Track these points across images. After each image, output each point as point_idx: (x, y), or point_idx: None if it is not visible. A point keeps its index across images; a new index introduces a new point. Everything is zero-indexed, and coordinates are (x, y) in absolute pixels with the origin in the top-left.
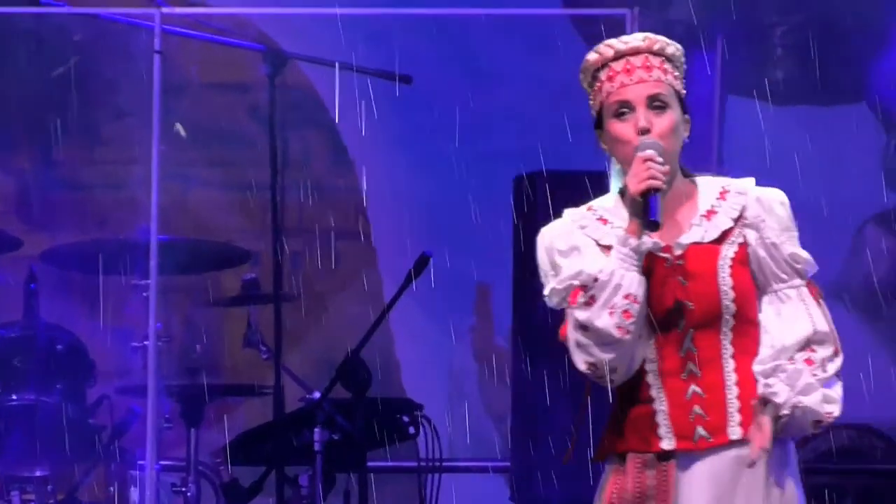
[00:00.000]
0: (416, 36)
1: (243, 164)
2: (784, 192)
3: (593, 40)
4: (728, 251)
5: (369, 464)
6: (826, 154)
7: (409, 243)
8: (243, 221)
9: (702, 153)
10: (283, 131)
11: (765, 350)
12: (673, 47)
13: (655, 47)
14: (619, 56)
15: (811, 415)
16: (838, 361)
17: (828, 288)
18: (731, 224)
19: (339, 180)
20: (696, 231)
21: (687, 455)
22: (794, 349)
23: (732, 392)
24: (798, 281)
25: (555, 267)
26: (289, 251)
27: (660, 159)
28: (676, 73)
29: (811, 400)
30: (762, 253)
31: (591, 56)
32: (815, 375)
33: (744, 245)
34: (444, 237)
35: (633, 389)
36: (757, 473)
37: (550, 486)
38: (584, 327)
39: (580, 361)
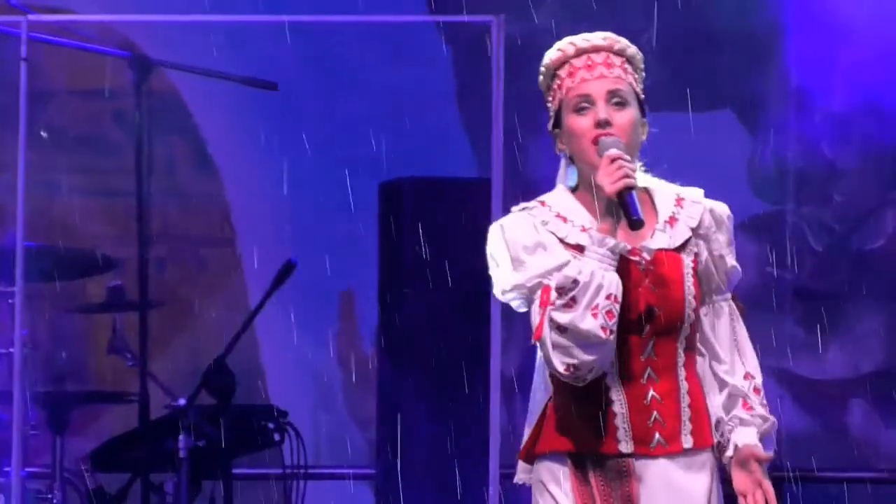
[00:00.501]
0: (282, 43)
1: (109, 171)
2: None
3: (459, 47)
4: (688, 260)
5: (234, 471)
6: (693, 161)
7: (274, 250)
8: (109, 228)
9: None
10: (149, 138)
11: (720, 374)
12: (633, 49)
13: (616, 47)
14: (580, 53)
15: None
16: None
17: None
18: (689, 234)
19: (205, 187)
20: (661, 237)
21: (643, 460)
22: (743, 380)
23: (685, 401)
24: (728, 294)
25: (517, 262)
26: (154, 258)
27: (627, 157)
28: (636, 76)
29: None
30: (710, 265)
31: (553, 54)
32: (764, 405)
33: (697, 256)
34: (309, 244)
35: (590, 390)
36: (702, 484)
37: (415, 493)
38: (563, 329)
39: (558, 363)
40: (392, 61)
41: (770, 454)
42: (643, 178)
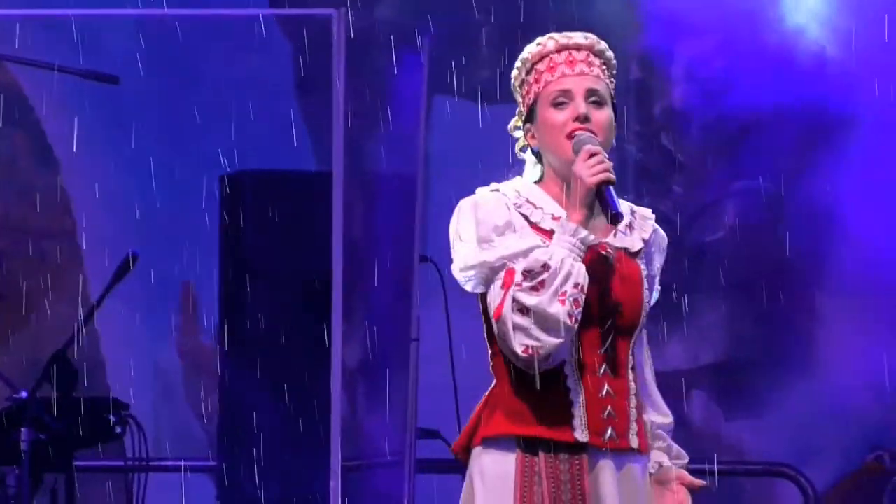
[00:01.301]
0: (124, 37)
1: None
2: (490, 189)
3: (300, 40)
4: (643, 265)
5: (76, 463)
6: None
7: (115, 243)
8: None
9: (409, 152)
10: None
11: (653, 396)
12: (610, 54)
13: (597, 48)
14: (561, 49)
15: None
16: None
17: None
18: (642, 244)
19: (45, 179)
20: (622, 238)
21: (595, 454)
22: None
23: (632, 402)
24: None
25: (485, 240)
26: None
27: (605, 153)
28: (611, 80)
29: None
30: (648, 284)
31: (533, 48)
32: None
33: (647, 267)
34: (151, 237)
35: (547, 377)
36: (643, 488)
37: (257, 485)
38: (526, 311)
39: (517, 345)
40: (233, 55)
41: (703, 483)
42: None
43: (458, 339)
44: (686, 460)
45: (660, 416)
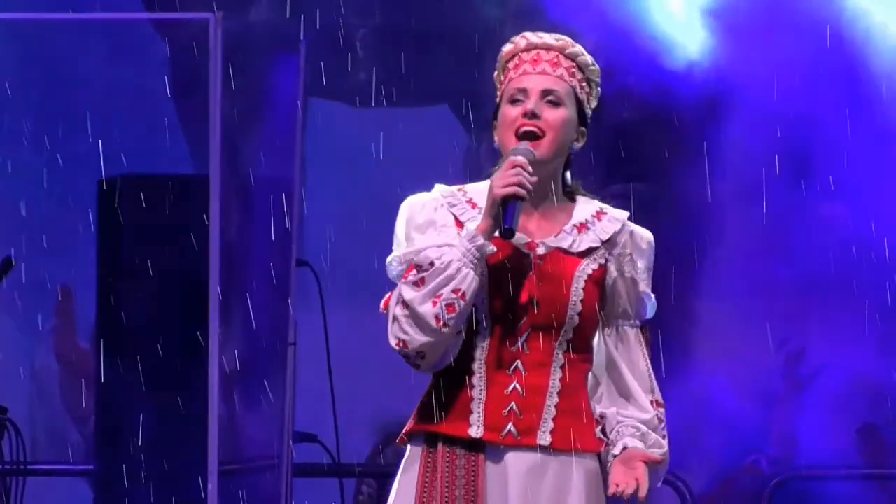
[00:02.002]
0: (0, 40)
1: None
2: (366, 192)
3: (177, 44)
4: (588, 267)
5: None
6: (410, 155)
7: None
8: None
9: (285, 155)
10: None
11: (614, 388)
12: (586, 58)
13: (568, 50)
14: (530, 48)
15: (664, 470)
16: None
17: None
18: (598, 244)
19: None
20: (565, 237)
21: (496, 451)
22: (649, 400)
23: (552, 400)
24: (637, 322)
25: (409, 238)
26: None
27: (530, 169)
28: (585, 85)
29: (667, 456)
30: (620, 286)
31: (506, 47)
32: (664, 437)
33: (603, 267)
34: (28, 240)
35: (457, 374)
36: (560, 487)
37: (135, 488)
38: (405, 305)
39: (391, 336)
40: (109, 58)
41: (659, 458)
42: (581, 198)
43: (335, 343)
44: (663, 450)
45: (639, 411)
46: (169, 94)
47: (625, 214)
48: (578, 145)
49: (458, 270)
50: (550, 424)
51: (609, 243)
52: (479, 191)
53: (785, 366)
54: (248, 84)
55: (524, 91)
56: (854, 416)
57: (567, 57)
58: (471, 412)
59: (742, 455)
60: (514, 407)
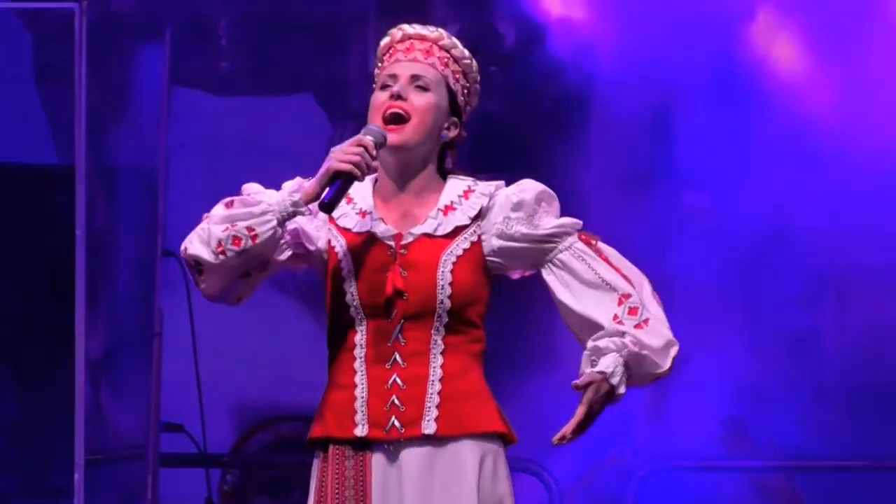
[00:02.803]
0: None
1: None
2: (229, 181)
3: (42, 33)
4: (457, 248)
5: None
6: (273, 145)
7: None
8: None
9: (150, 145)
10: None
11: (581, 328)
12: (461, 51)
13: (442, 42)
14: (404, 39)
15: (650, 363)
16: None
17: (273, 277)
18: (467, 222)
19: None
20: (429, 223)
21: (383, 447)
22: (617, 306)
23: (434, 388)
24: (567, 241)
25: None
26: None
27: (374, 153)
28: (460, 77)
29: (653, 343)
30: (517, 246)
31: (384, 39)
32: (641, 325)
33: (477, 244)
34: None
35: (340, 374)
36: (460, 471)
37: (2, 478)
38: (208, 218)
39: (184, 242)
40: None
41: (591, 379)
42: (452, 179)
43: (202, 333)
44: (602, 368)
45: (597, 335)
46: (31, 83)
47: (494, 185)
48: (450, 135)
49: (263, 213)
50: (435, 412)
51: (480, 217)
52: (355, 187)
53: None
54: (113, 72)
55: (394, 77)
56: (720, 407)
57: (441, 48)
58: (355, 411)
59: (607, 445)
60: (396, 400)
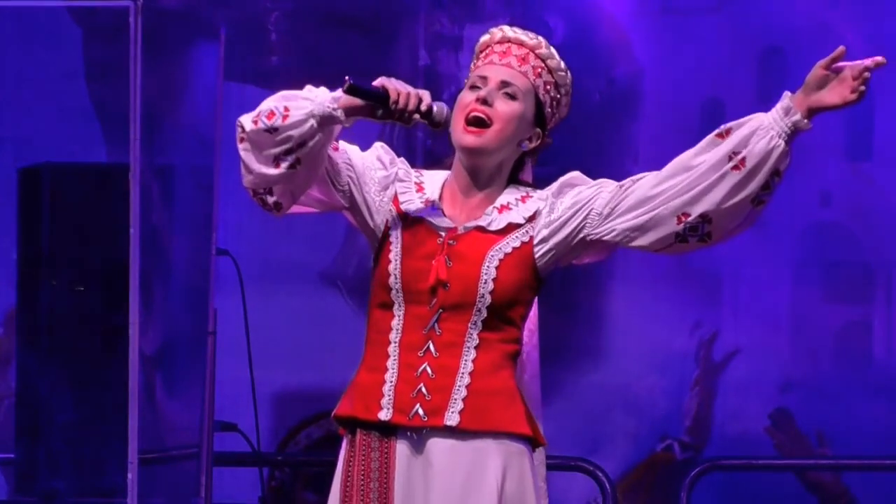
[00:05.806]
0: None
1: None
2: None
3: (94, 30)
4: (506, 245)
5: None
6: None
7: None
8: None
9: (205, 143)
10: None
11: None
12: (557, 62)
13: (540, 51)
14: (503, 41)
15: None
16: None
17: (324, 275)
18: (521, 221)
19: None
20: (484, 218)
21: (407, 436)
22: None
23: (463, 381)
24: (616, 194)
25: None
26: None
27: (423, 109)
28: (551, 88)
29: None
30: (559, 219)
31: (482, 37)
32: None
33: (527, 245)
34: None
35: (373, 357)
36: (483, 469)
37: (55, 478)
38: (244, 138)
39: (244, 174)
40: (23, 44)
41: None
42: (513, 187)
43: (256, 332)
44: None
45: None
46: (84, 81)
47: (550, 190)
48: (530, 145)
49: (304, 99)
50: (460, 405)
51: (533, 219)
52: (431, 177)
53: (698, 350)
54: (167, 70)
55: (484, 79)
56: (767, 400)
57: (537, 56)
58: (382, 395)
59: (654, 440)
60: (423, 388)
